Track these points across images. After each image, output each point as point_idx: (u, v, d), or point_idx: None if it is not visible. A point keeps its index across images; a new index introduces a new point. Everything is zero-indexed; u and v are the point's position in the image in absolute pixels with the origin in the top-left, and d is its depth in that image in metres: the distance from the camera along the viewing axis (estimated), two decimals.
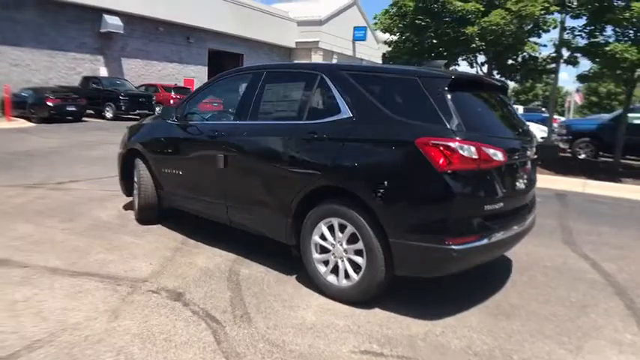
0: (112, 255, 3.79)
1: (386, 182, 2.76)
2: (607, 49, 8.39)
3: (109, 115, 18.45)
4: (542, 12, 9.30)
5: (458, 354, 2.54)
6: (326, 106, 3.26)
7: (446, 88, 2.79)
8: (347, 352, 2.51)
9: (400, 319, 2.90)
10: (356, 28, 38.29)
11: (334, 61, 36.96)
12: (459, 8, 8.72)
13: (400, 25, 10.10)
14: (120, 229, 4.50)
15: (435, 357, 2.50)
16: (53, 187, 6.17)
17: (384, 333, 2.73)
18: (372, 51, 43.03)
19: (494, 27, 8.81)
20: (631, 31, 8.85)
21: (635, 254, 4.50)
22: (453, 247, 2.63)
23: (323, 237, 3.15)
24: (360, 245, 2.93)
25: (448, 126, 2.69)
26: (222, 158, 3.70)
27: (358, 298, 3.00)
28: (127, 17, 21.86)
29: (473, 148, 2.67)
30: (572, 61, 10.51)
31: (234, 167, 3.67)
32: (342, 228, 3.03)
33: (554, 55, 10.89)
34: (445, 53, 10.31)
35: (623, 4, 8.50)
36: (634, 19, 8.13)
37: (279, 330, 2.71)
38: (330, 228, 3.10)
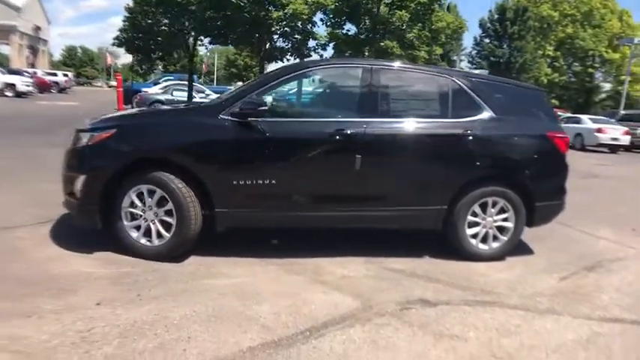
0: (294, 301, 2.82)
1: (534, 164, 3.88)
2: (381, 44, 11.49)
3: None
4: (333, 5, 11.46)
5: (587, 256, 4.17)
6: (468, 106, 3.78)
7: (546, 97, 4.20)
8: (556, 281, 3.60)
9: (527, 258, 4.08)
10: None
11: None
12: None
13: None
14: (175, 279, 3.08)
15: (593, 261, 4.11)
16: None
17: (547, 264, 3.95)
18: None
19: (299, 14, 9.92)
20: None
21: None
22: (565, 201, 4.09)
23: (474, 214, 3.81)
24: (508, 214, 3.85)
25: (558, 123, 4.15)
26: (359, 159, 3.45)
27: (503, 255, 3.93)
28: None
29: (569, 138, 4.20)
30: (341, 49, 13.39)
31: (376, 167, 3.60)
32: (494, 204, 3.82)
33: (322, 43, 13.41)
34: (231, 34, 10.63)
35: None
36: (397, 23, 11.60)
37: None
38: (482, 206, 3.80)
